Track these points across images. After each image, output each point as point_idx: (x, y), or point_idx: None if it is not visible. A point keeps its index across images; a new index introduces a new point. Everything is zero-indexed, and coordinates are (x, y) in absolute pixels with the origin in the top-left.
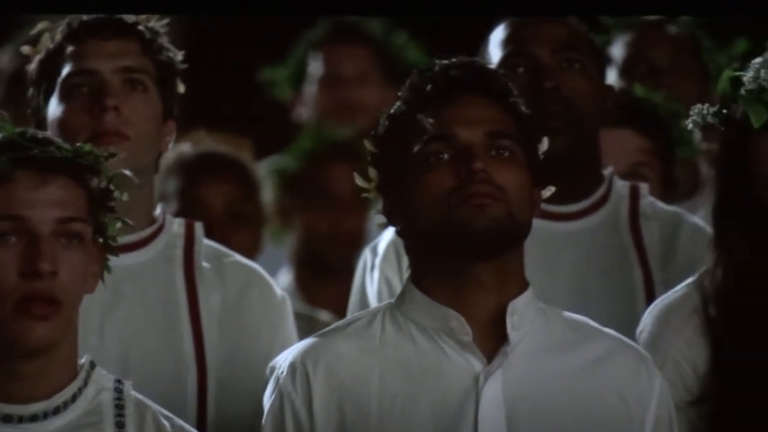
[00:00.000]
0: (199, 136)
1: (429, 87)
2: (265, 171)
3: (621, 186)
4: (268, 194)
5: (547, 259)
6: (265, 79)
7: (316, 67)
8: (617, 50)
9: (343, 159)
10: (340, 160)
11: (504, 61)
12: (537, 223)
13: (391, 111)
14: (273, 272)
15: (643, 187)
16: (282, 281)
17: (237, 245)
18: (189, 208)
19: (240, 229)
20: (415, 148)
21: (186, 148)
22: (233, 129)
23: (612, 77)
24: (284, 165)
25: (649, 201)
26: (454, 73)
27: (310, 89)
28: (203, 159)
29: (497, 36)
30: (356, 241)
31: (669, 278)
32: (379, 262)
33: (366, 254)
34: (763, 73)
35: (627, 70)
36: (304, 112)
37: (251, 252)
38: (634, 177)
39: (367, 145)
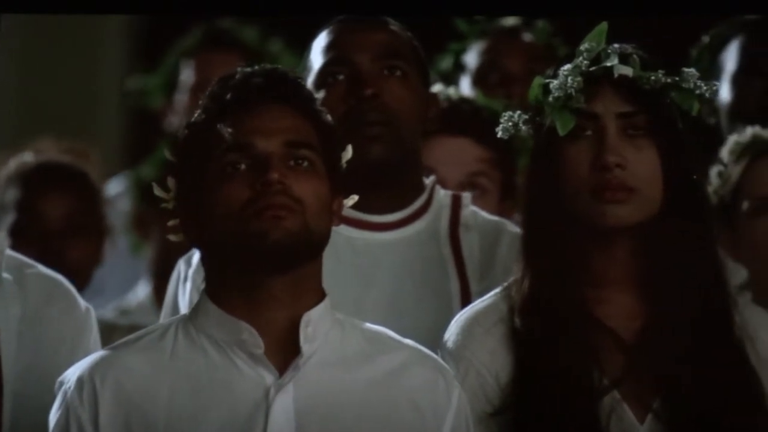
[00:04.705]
0: (43, 145)
1: (229, 95)
2: (126, 181)
3: (443, 195)
4: (126, 204)
5: (364, 269)
6: (134, 87)
7: (187, 74)
8: (471, 58)
9: None
10: None
11: (324, 68)
12: (354, 232)
13: (191, 119)
14: (131, 283)
15: (465, 197)
16: (140, 293)
17: (76, 256)
18: (27, 218)
19: (79, 240)
20: (213, 158)
21: (27, 157)
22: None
23: (465, 85)
24: (143, 174)
25: (470, 211)
26: (254, 81)
27: (182, 97)
28: (43, 169)
29: (319, 43)
30: None
31: (486, 289)
32: (192, 272)
33: (180, 265)
34: (569, 80)
35: (480, 78)
36: (175, 120)
37: (91, 263)
38: (471, 187)
39: (166, 153)
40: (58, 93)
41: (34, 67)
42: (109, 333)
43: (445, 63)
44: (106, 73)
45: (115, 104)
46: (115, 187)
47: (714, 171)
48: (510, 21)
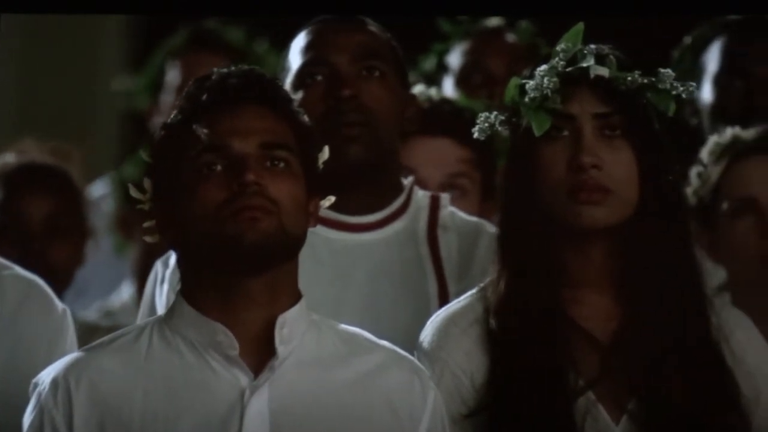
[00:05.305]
0: (26, 146)
1: (205, 96)
2: (110, 182)
3: (422, 196)
4: (110, 205)
5: (342, 270)
6: (121, 88)
7: (173, 75)
8: (454, 58)
9: None
10: None
11: (303, 69)
12: (332, 233)
13: (168, 120)
14: (115, 284)
15: (444, 198)
16: (124, 294)
17: (58, 258)
18: (9, 220)
19: (61, 241)
20: (189, 159)
21: (9, 158)
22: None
23: (449, 85)
24: (126, 175)
25: (448, 212)
26: (231, 82)
27: (167, 98)
28: (24, 170)
29: (297, 43)
30: None
31: (465, 290)
32: (169, 274)
33: (157, 266)
34: (546, 81)
35: (463, 79)
36: (161, 121)
37: (73, 264)
38: (452, 188)
39: (143, 154)
40: (58, 93)
41: (34, 67)
42: (92, 334)
43: (429, 63)
44: (105, 74)
45: (114, 105)
46: (100, 188)
47: (694, 172)
48: (493, 22)
